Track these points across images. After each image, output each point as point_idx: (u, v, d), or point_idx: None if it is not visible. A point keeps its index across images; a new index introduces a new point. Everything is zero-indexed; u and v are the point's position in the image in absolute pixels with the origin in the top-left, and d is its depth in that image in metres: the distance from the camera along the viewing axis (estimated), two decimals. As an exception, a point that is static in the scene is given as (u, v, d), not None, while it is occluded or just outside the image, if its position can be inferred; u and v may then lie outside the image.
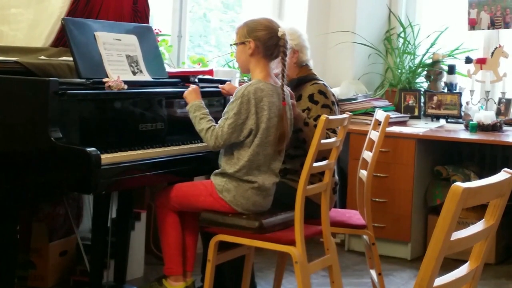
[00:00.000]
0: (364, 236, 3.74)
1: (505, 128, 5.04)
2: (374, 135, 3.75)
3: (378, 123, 3.79)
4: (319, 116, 3.45)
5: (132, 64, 3.39)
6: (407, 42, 5.66)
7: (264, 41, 3.22)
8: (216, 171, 3.26)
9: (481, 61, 5.35)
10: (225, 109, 3.20)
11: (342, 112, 4.37)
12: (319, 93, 3.56)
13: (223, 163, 3.24)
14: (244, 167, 3.18)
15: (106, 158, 2.93)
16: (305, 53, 3.68)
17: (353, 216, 3.77)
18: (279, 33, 3.21)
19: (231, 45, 3.39)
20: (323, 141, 3.16)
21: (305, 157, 3.15)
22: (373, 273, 3.82)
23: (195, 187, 3.34)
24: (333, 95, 3.64)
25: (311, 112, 3.53)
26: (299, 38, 3.66)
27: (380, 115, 3.81)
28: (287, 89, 3.34)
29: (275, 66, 3.30)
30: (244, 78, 5.02)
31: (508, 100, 5.24)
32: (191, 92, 3.31)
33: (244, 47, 3.25)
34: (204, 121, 3.19)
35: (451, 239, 1.55)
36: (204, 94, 3.59)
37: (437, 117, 5.40)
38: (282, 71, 3.22)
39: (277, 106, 3.20)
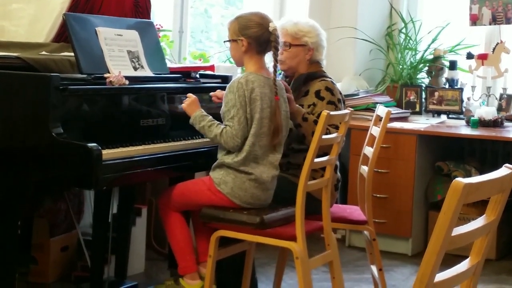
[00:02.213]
0: (365, 232, 3.74)
1: (506, 124, 5.03)
2: (375, 130, 3.75)
3: (379, 118, 3.79)
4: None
5: (133, 59, 3.39)
6: (408, 38, 5.66)
7: (256, 38, 3.23)
8: (214, 164, 3.26)
9: (483, 57, 5.35)
10: (224, 108, 3.19)
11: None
12: (326, 90, 3.56)
13: (220, 154, 3.24)
14: (242, 157, 3.18)
15: (107, 153, 2.93)
16: (320, 52, 3.69)
17: (354, 211, 3.77)
18: (270, 28, 3.22)
19: (224, 41, 3.40)
20: (324, 136, 3.16)
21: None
22: (374, 268, 3.82)
23: (194, 184, 3.35)
24: (340, 93, 3.64)
25: (316, 108, 3.53)
26: (317, 36, 3.67)
27: (381, 110, 3.81)
28: (281, 83, 3.36)
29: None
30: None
31: (509, 96, 5.24)
32: (190, 105, 3.29)
33: (237, 44, 3.26)
34: (214, 127, 3.19)
35: (452, 234, 1.56)
36: (206, 90, 3.59)
37: (438, 113, 5.40)
38: (274, 66, 3.23)
39: (269, 97, 3.21)
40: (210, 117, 3.24)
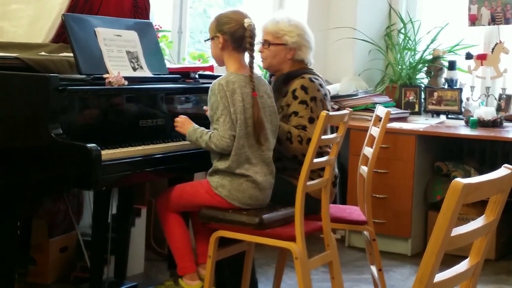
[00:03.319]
0: (365, 232, 3.74)
1: (505, 124, 5.03)
2: (374, 131, 3.75)
3: (378, 119, 3.79)
4: (294, 112, 3.44)
5: (132, 60, 3.39)
6: (407, 38, 5.66)
7: (231, 33, 3.24)
8: (210, 170, 3.26)
9: (482, 57, 5.35)
10: (210, 112, 3.20)
11: (342, 108, 4.38)
12: (301, 88, 3.49)
13: (214, 161, 3.25)
14: (233, 161, 3.18)
15: (107, 154, 2.93)
16: (304, 52, 3.61)
17: (354, 212, 3.76)
18: (245, 24, 3.23)
19: (205, 40, 3.42)
20: (323, 137, 3.16)
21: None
22: (373, 269, 3.82)
23: (193, 186, 3.35)
24: (319, 90, 3.52)
25: (290, 108, 3.49)
26: (299, 36, 3.59)
27: (380, 111, 3.81)
28: (262, 78, 3.36)
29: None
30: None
31: (508, 96, 5.24)
32: (182, 126, 3.30)
33: (215, 42, 3.28)
34: (203, 135, 3.20)
35: (451, 235, 1.56)
36: (205, 90, 3.58)
37: (437, 113, 5.40)
38: (249, 63, 3.23)
39: (251, 96, 3.21)
40: (201, 128, 3.25)
